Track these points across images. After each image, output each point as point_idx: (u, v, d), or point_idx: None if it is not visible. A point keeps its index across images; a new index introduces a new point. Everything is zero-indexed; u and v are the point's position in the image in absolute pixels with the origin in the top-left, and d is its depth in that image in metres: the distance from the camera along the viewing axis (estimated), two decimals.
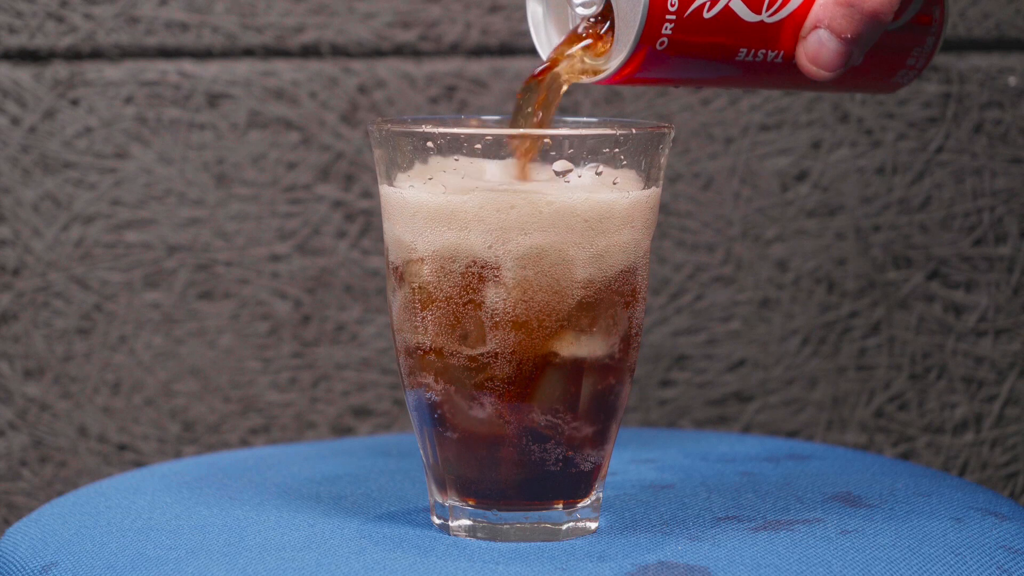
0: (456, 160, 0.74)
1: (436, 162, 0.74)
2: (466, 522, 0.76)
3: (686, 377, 1.19)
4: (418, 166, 0.75)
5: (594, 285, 0.74)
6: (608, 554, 0.73)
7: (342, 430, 1.19)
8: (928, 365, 1.19)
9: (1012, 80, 1.17)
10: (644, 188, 0.75)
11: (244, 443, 1.18)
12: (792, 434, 1.19)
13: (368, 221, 1.17)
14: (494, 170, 0.74)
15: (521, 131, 0.75)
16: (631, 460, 0.90)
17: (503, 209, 0.73)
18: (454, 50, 1.16)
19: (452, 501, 0.76)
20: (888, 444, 1.19)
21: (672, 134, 0.76)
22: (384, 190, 0.76)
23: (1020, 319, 1.18)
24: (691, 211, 1.17)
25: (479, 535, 0.75)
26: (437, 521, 0.77)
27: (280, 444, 1.14)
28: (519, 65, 1.15)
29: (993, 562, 0.74)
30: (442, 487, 0.76)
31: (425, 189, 0.74)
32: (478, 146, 0.73)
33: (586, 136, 0.74)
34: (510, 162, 0.74)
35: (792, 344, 1.18)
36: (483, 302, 0.73)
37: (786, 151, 1.17)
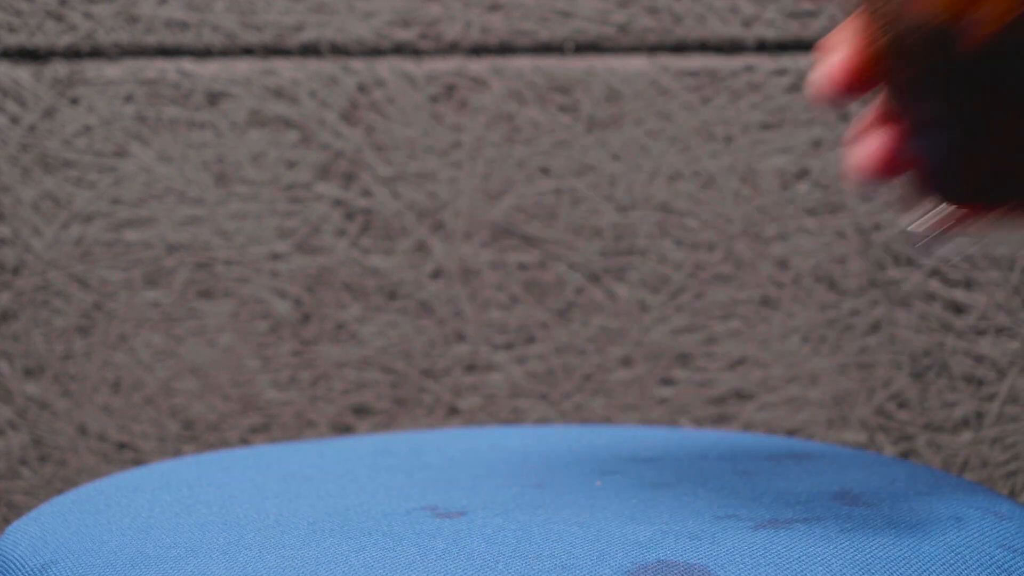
0: None
1: None
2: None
3: (686, 375, 1.19)
4: None
5: None
6: (608, 553, 0.73)
7: (342, 429, 1.19)
8: (928, 363, 1.19)
9: None
10: None
11: (244, 442, 1.18)
12: (792, 432, 1.19)
13: (368, 220, 1.17)
14: None
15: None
16: (631, 459, 0.90)
17: None
18: (454, 48, 1.16)
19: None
20: (888, 442, 1.19)
21: None
22: None
23: (1020, 317, 1.18)
24: (691, 209, 1.17)
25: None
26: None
27: (280, 443, 1.14)
28: (519, 64, 1.15)
29: (993, 561, 0.74)
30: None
31: None
32: None
33: None
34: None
35: (792, 342, 1.18)
36: None
37: (786, 149, 1.17)
